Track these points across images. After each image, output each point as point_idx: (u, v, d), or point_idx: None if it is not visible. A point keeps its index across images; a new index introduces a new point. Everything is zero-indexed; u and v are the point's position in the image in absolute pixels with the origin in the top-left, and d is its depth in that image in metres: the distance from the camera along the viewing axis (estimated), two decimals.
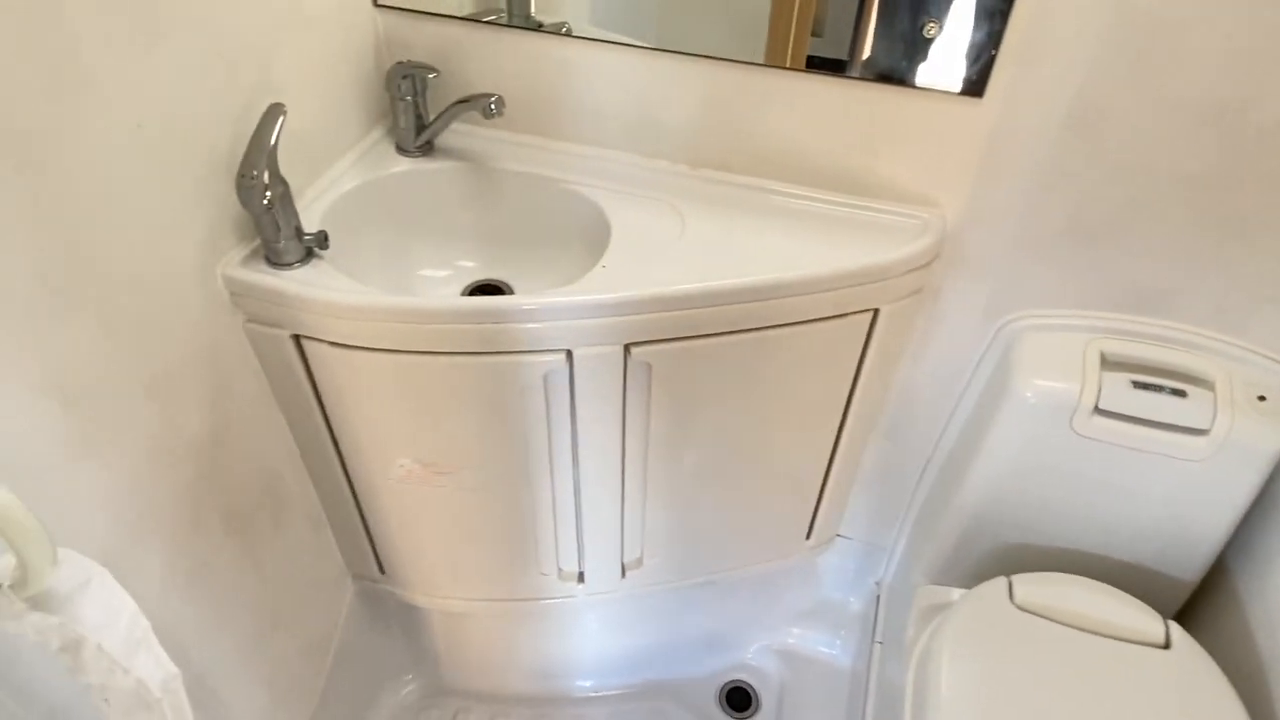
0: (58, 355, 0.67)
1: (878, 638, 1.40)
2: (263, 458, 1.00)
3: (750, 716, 1.48)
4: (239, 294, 0.87)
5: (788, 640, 1.54)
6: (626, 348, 0.92)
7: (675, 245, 0.94)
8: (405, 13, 1.01)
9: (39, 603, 0.39)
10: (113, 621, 0.42)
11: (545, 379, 0.94)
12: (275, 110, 0.82)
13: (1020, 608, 1.01)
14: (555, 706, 1.48)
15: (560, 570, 1.22)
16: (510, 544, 1.16)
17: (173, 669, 0.46)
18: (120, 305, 0.73)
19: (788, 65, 0.92)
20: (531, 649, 1.46)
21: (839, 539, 1.43)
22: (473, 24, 1.00)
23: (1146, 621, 0.99)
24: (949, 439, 1.20)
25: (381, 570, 1.24)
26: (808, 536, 1.32)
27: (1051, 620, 1.00)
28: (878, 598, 1.45)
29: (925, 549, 1.25)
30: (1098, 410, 0.96)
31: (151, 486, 0.81)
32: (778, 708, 1.48)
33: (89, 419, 0.71)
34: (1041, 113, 0.87)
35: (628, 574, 1.25)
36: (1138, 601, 1.01)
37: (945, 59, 0.87)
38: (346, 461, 1.06)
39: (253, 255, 0.88)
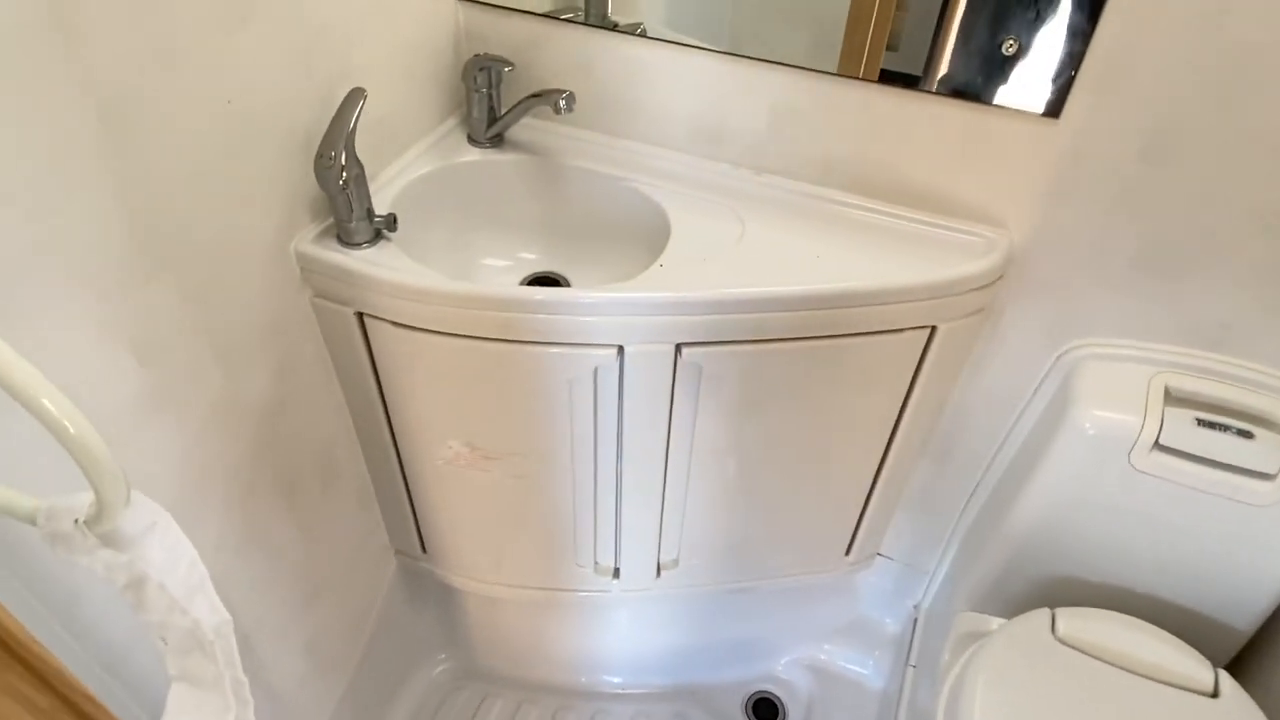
0: (138, 313, 0.71)
1: (911, 661, 1.38)
2: (319, 430, 1.03)
3: None
4: (309, 270, 0.91)
5: (819, 656, 1.53)
6: (678, 348, 0.93)
7: (734, 249, 0.95)
8: (486, 7, 1.04)
9: (109, 540, 0.41)
10: (174, 565, 0.44)
11: (595, 373, 0.95)
12: (356, 95, 0.85)
13: (1062, 641, 0.99)
14: (581, 699, 1.49)
15: (596, 564, 1.23)
16: (549, 534, 1.18)
17: (226, 615, 0.48)
18: (199, 271, 0.77)
19: (860, 76, 0.92)
20: (562, 640, 1.47)
21: (879, 558, 1.41)
22: (550, 21, 1.02)
23: (1195, 667, 0.96)
24: (1000, 466, 1.18)
25: (424, 549, 1.27)
26: (847, 553, 1.31)
27: (1094, 657, 0.97)
28: (915, 621, 1.43)
29: (968, 575, 1.23)
30: (1158, 446, 0.94)
31: (214, 447, 0.85)
32: None
33: (162, 377, 0.75)
34: (1118, 138, 0.85)
35: (663, 573, 1.26)
36: (1187, 646, 0.98)
37: (1023, 78, 0.85)
38: (398, 440, 1.09)
39: (324, 233, 0.92)
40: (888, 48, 0.90)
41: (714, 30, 0.96)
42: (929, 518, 1.32)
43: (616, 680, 1.51)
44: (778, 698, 1.51)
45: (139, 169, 0.67)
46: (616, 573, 1.25)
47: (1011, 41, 0.84)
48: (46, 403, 0.33)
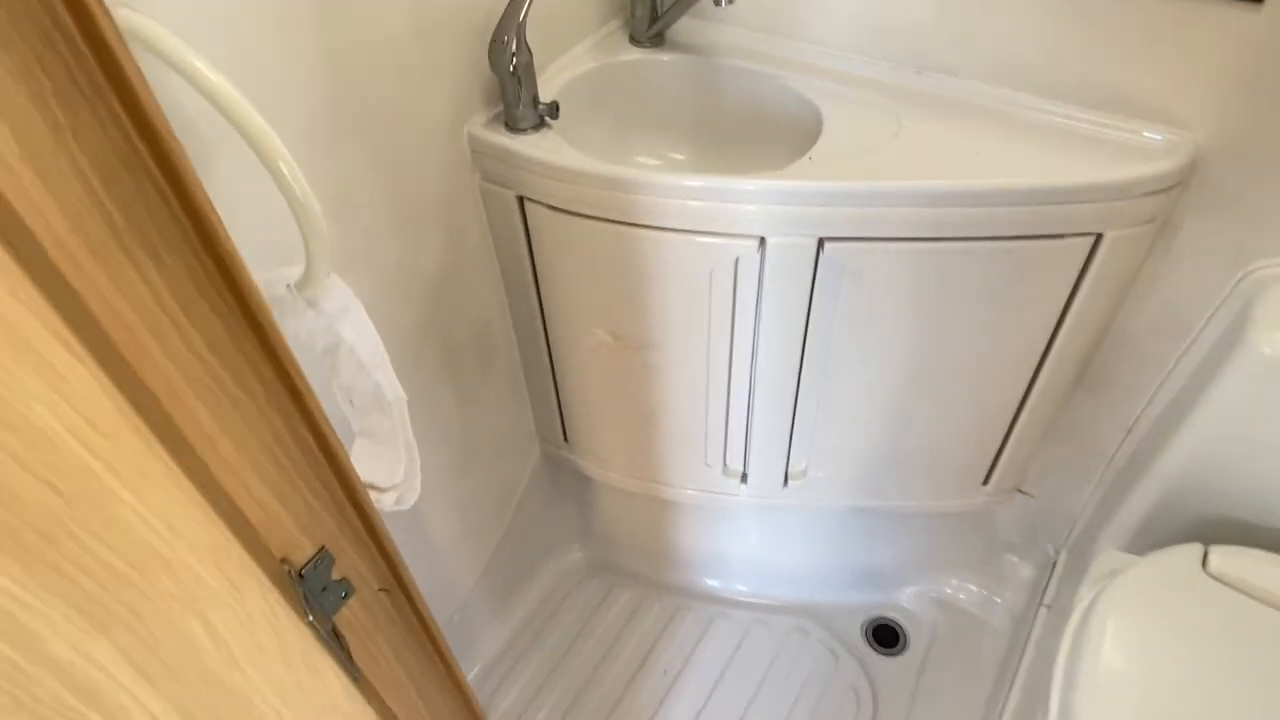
0: (334, 170, 0.80)
1: (1046, 601, 1.34)
2: (479, 308, 1.12)
3: (896, 655, 1.47)
4: (479, 152, 0.98)
5: (946, 590, 1.51)
6: (821, 242, 0.94)
7: (888, 145, 0.94)
8: None
9: (312, 305, 0.49)
10: (362, 342, 0.52)
11: (736, 264, 0.97)
12: None
13: (1213, 576, 0.93)
14: (702, 601, 1.55)
15: (726, 466, 1.27)
16: (681, 431, 1.23)
17: (401, 393, 0.56)
18: (385, 145, 0.86)
19: None
20: (689, 542, 1.53)
21: (1020, 495, 1.36)
22: None
23: None
24: (1161, 400, 1.11)
25: (565, 438, 1.35)
26: (985, 482, 1.28)
27: (1248, 595, 0.91)
28: (1054, 563, 1.38)
29: (1116, 515, 1.17)
30: None
31: (390, 311, 0.95)
32: (925, 653, 1.46)
33: (348, 237, 0.85)
34: None
35: (790, 483, 1.28)
36: None
37: None
38: (548, 327, 1.16)
39: (493, 120, 0.99)
40: None
41: None
42: (1079, 455, 1.26)
43: (739, 587, 1.56)
44: (900, 625, 1.50)
45: (346, 40, 0.76)
46: (745, 477, 1.28)
47: None
48: (283, 166, 0.40)
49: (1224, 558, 0.95)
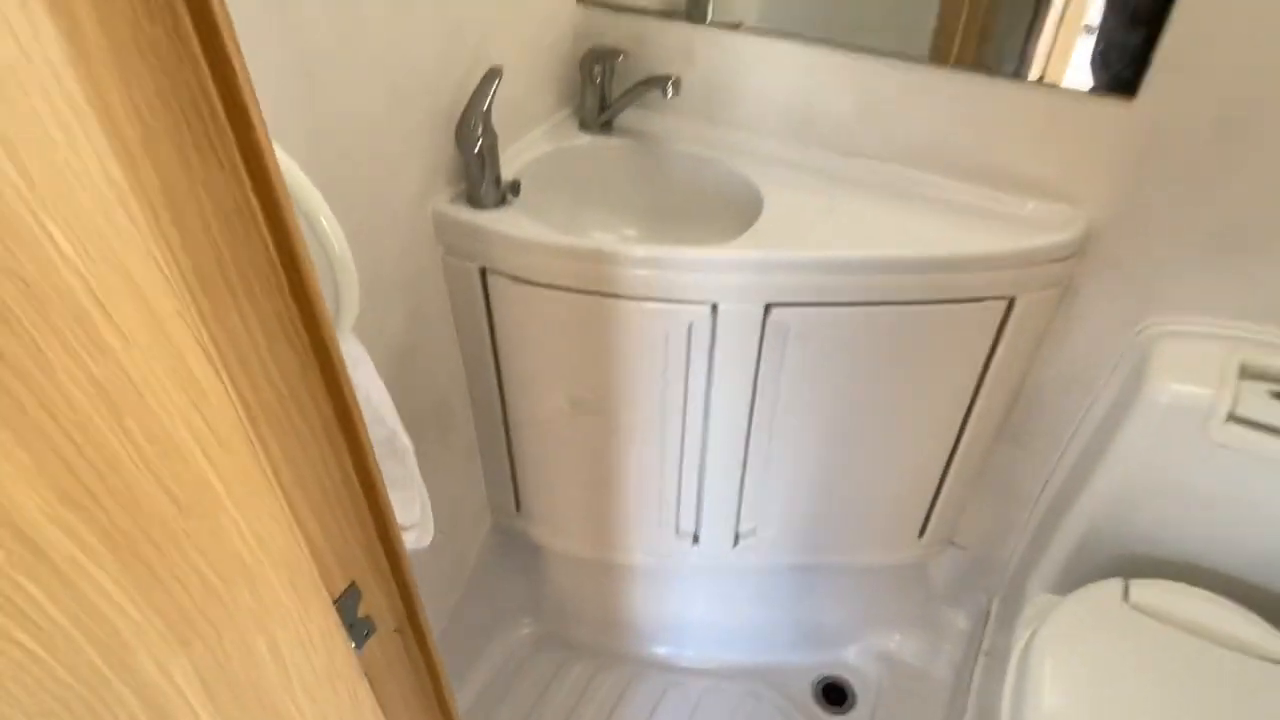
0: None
1: (984, 648, 1.40)
2: (438, 380, 1.15)
3: (845, 713, 1.50)
4: (443, 227, 1.03)
5: (889, 645, 1.55)
6: (767, 307, 1.01)
7: (824, 220, 1.03)
8: (601, 6, 1.16)
9: None
10: (375, 392, 0.54)
11: (690, 329, 1.04)
12: (494, 72, 0.97)
13: (1134, 607, 1.01)
14: (654, 671, 1.55)
15: (678, 528, 1.31)
16: (636, 493, 1.26)
17: (410, 443, 0.58)
18: (356, 221, 0.89)
19: (951, 63, 1.00)
20: (639, 609, 1.54)
21: (953, 548, 1.44)
22: (657, 17, 1.14)
23: (1267, 637, 0.97)
24: (1075, 449, 1.21)
25: (518, 507, 1.37)
26: (921, 534, 1.35)
27: (1166, 623, 0.99)
28: (988, 611, 1.45)
29: (1042, 557, 1.25)
30: (1233, 418, 0.97)
31: None
32: (872, 710, 1.50)
33: None
34: (1193, 117, 0.91)
35: (740, 542, 1.32)
36: (1258, 617, 0.99)
37: (1100, 61, 0.92)
38: (505, 394, 1.19)
39: (457, 197, 1.04)
40: (978, 34, 0.98)
41: (808, 23, 1.06)
42: (1005, 505, 1.35)
43: (689, 654, 1.57)
44: (848, 683, 1.54)
45: (328, 122, 0.81)
46: (696, 538, 1.32)
47: (1089, 27, 0.91)
48: (324, 222, 0.44)
49: (1142, 590, 1.03)
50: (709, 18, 1.11)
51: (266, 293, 0.33)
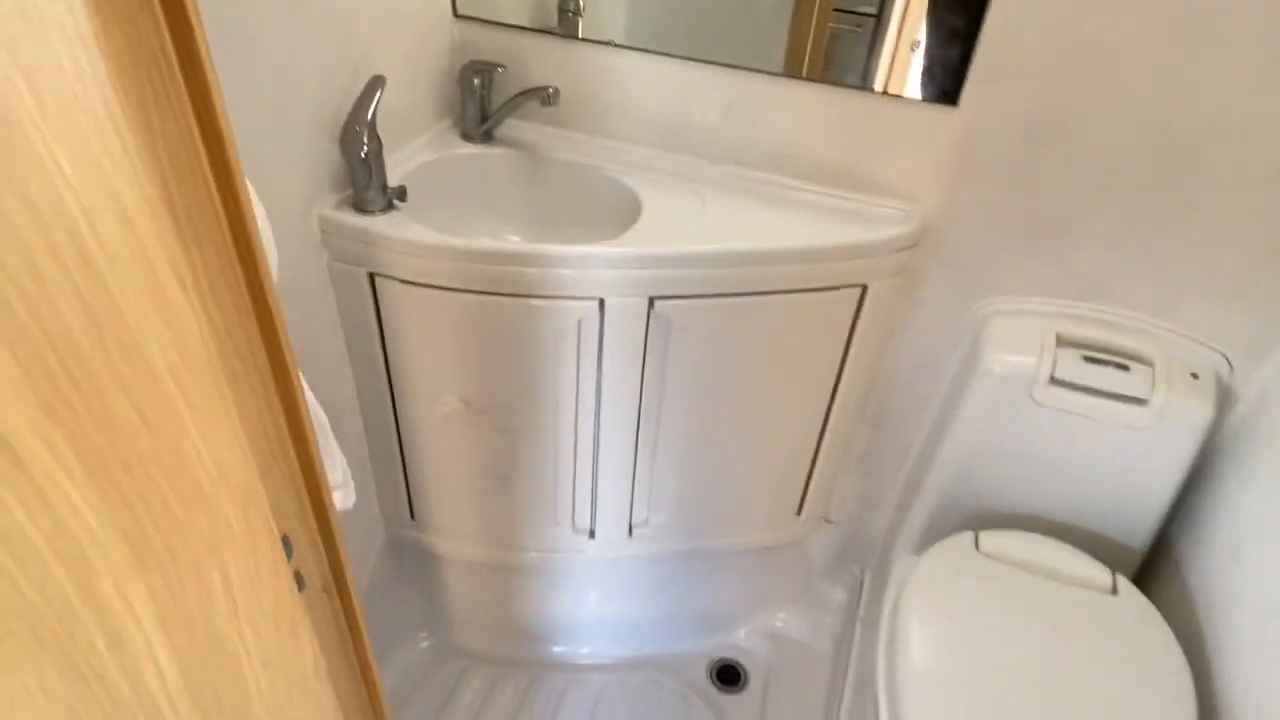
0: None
1: (860, 616, 1.51)
2: (327, 391, 1.14)
3: (739, 692, 1.57)
4: (329, 233, 1.04)
5: (775, 623, 1.65)
6: (651, 301, 1.08)
7: (697, 219, 1.12)
8: (479, 22, 1.21)
9: None
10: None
11: (579, 325, 1.09)
12: (378, 80, 1.00)
13: (985, 555, 1.14)
14: (554, 671, 1.57)
15: (574, 523, 1.35)
16: (532, 491, 1.30)
17: (325, 417, 0.60)
18: None
19: (803, 76, 1.11)
20: (536, 611, 1.56)
21: (828, 525, 1.55)
22: (532, 33, 1.20)
23: (1096, 572, 1.12)
24: (928, 424, 1.35)
25: (412, 515, 1.37)
26: (799, 512, 1.45)
27: (1013, 566, 1.13)
28: (861, 582, 1.57)
29: (904, 525, 1.38)
30: (1053, 380, 1.12)
31: None
32: (764, 687, 1.58)
33: None
34: (1005, 122, 1.06)
35: (635, 532, 1.38)
36: (1088, 555, 1.14)
37: (928, 74, 1.06)
38: (397, 400, 1.20)
39: (343, 203, 1.05)
40: (825, 49, 1.10)
41: (673, 40, 1.15)
42: (871, 482, 1.47)
43: (587, 651, 1.60)
44: (740, 664, 1.61)
45: None
46: (592, 533, 1.37)
47: (918, 43, 1.04)
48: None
49: (991, 539, 1.16)
50: (579, 34, 1.19)
51: (211, 237, 0.36)
